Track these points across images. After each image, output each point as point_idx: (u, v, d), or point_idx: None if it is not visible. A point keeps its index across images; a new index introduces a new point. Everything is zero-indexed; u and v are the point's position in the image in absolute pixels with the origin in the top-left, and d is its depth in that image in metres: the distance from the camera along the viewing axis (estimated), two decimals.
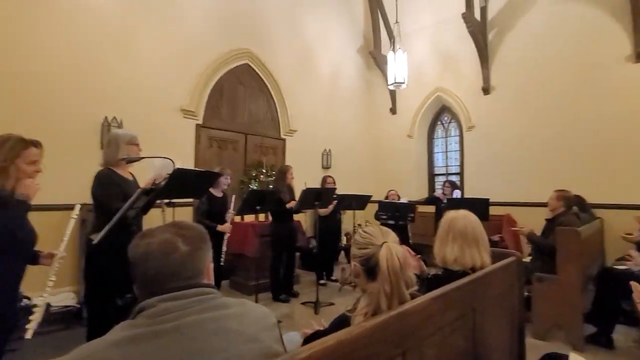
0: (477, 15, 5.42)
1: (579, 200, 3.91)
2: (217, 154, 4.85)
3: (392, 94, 6.72)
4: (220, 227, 3.38)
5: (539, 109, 4.99)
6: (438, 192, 4.95)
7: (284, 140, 5.64)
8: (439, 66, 6.19)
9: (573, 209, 3.33)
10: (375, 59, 6.63)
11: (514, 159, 5.16)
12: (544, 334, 2.83)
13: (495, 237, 4.46)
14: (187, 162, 4.13)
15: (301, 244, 4.47)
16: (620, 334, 2.77)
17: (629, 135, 4.23)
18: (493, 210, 4.19)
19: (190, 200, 3.76)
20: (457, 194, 4.47)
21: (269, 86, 5.45)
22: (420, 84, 6.31)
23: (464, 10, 5.13)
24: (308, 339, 1.30)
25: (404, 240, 3.75)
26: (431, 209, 5.32)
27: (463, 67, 5.83)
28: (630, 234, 3.55)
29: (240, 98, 5.13)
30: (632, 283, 1.16)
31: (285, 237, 3.89)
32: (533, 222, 3.70)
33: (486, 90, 5.53)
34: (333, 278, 4.64)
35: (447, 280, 1.37)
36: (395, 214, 3.97)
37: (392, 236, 1.21)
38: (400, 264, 1.13)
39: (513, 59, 5.28)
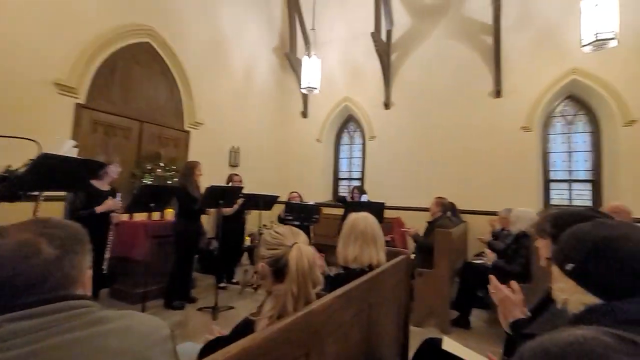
0: (384, 36, 6.02)
1: (452, 206, 4.67)
2: (103, 141, 4.15)
3: (305, 97, 6.89)
4: (99, 208, 2.87)
5: (427, 127, 5.79)
6: (347, 196, 5.27)
7: (187, 132, 5.19)
8: (348, 78, 6.63)
9: (447, 214, 3.96)
10: (290, 61, 6.71)
11: (406, 169, 5.88)
12: (420, 321, 3.27)
13: (387, 238, 4.96)
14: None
15: (201, 246, 4.18)
16: (475, 316, 3.40)
17: (488, 156, 5.26)
18: (386, 214, 4.66)
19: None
20: (365, 198, 4.83)
21: (173, 71, 4.95)
22: (330, 91, 6.64)
23: (373, 29, 5.62)
24: (207, 348, 1.20)
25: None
26: (335, 210, 5.64)
27: (369, 81, 6.37)
28: (481, 238, 4.47)
29: (137, 80, 4.51)
30: (491, 277, 1.41)
31: (192, 237, 3.60)
32: (417, 224, 4.27)
33: (387, 105, 6.16)
34: (234, 281, 4.46)
35: (347, 279, 1.46)
36: (301, 215, 4.06)
37: (302, 237, 1.23)
38: (310, 265, 1.15)
39: (410, 80, 6.02)
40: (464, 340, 3.03)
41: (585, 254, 0.88)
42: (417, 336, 1.84)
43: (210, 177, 4.01)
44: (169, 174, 4.50)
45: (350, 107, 6.60)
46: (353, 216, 1.88)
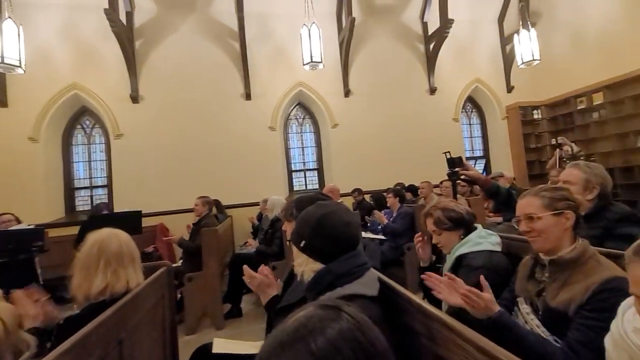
0: (123, 18, 5.13)
1: (216, 203, 4.74)
2: None
3: (0, 78, 4.81)
4: None
5: (179, 125, 5.52)
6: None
7: None
8: (75, 59, 5.21)
9: (213, 211, 3.99)
10: None
11: (165, 169, 5.38)
12: (195, 328, 3.14)
13: (150, 249, 4.42)
14: None
15: None
16: (246, 302, 3.65)
17: (244, 153, 5.71)
18: (146, 221, 4.11)
19: None
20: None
21: None
22: (48, 74, 5.00)
23: (106, 5, 4.65)
24: None
25: (28, 280, 2.75)
26: (71, 230, 4.37)
27: (108, 68, 5.29)
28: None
29: None
30: (244, 267, 1.50)
31: None
32: (184, 227, 4.04)
33: (135, 98, 5.36)
34: None
35: (90, 318, 1.13)
36: (9, 247, 2.81)
37: None
38: (6, 329, 0.79)
39: (161, 73, 5.50)
40: (238, 328, 3.20)
41: (311, 231, 1.08)
42: (191, 345, 1.72)
43: None
44: None
45: (83, 97, 5.25)
46: (97, 237, 1.46)
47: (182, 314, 3.09)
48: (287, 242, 1.57)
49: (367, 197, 5.44)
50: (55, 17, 5.12)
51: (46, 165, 5.08)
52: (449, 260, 1.64)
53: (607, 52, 5.65)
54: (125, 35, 5.13)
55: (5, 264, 2.74)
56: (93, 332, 1.03)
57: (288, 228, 1.57)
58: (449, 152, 2.34)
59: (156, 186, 5.29)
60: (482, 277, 1.22)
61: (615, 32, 5.54)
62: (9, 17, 3.91)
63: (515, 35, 5.86)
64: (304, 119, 6.48)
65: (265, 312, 1.44)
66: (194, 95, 5.60)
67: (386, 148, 6.22)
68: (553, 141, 6.07)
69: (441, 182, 4.66)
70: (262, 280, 1.45)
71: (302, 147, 6.42)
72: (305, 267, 1.10)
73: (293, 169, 6.33)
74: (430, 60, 6.50)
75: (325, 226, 1.06)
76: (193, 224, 3.75)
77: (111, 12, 4.71)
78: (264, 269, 1.49)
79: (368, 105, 6.27)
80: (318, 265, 1.07)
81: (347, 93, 6.18)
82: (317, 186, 6.30)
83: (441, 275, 1.76)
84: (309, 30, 4.90)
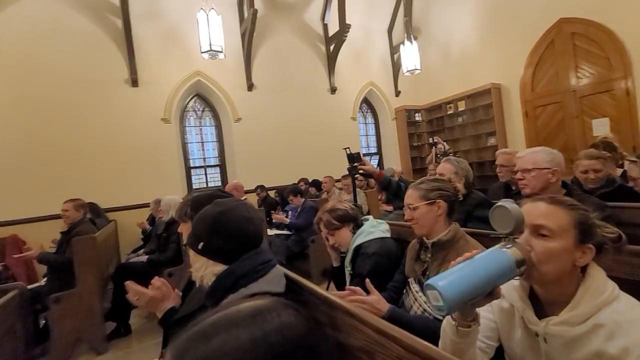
0: None
1: (92, 207, 4.02)
2: None
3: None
4: None
5: (58, 113, 4.47)
6: None
7: None
8: None
9: (87, 217, 3.35)
10: None
11: (18, 170, 4.23)
12: (67, 357, 2.59)
13: None
14: None
15: None
16: (135, 316, 3.18)
17: (131, 148, 4.97)
18: None
19: None
20: None
21: None
22: None
23: None
24: None
25: None
26: None
27: None
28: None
29: None
30: (126, 284, 1.28)
31: None
32: (48, 236, 3.28)
33: None
34: None
35: None
36: None
37: None
38: None
39: (18, 47, 4.29)
40: (127, 348, 2.79)
41: (208, 231, 0.99)
42: None
43: None
44: None
45: None
46: None
47: (46, 344, 2.51)
48: (184, 246, 1.42)
49: (271, 193, 5.39)
50: None
51: None
52: (349, 252, 1.73)
53: (466, 67, 6.86)
54: None
55: None
56: None
57: (184, 230, 1.42)
58: (348, 148, 2.48)
59: (6, 189, 4.15)
60: (367, 282, 1.32)
61: (472, 51, 6.77)
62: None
63: (402, 45, 6.62)
64: (203, 111, 6.02)
65: (161, 327, 1.27)
66: (60, 77, 4.56)
67: (290, 144, 6.28)
68: (430, 140, 7.11)
69: (344, 177, 4.95)
70: (153, 296, 1.27)
71: (202, 142, 5.97)
72: (205, 270, 0.99)
73: (192, 165, 5.82)
74: (331, 61, 6.81)
75: (224, 224, 0.98)
76: (61, 233, 3.08)
77: None
78: (156, 280, 1.31)
79: (272, 100, 6.20)
80: (219, 267, 0.98)
81: (250, 87, 5.99)
82: (219, 183, 5.94)
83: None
84: (207, 15, 4.55)
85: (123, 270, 3.21)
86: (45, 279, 3.08)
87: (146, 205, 4.68)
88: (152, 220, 4.46)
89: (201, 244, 0.99)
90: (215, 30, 4.58)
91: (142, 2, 5.11)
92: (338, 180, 5.19)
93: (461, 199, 1.66)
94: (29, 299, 1.61)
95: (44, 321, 2.67)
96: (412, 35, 6.67)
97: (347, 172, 2.66)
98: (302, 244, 3.89)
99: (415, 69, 6.44)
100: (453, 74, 7.14)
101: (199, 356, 0.43)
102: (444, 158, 2.25)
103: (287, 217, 4.19)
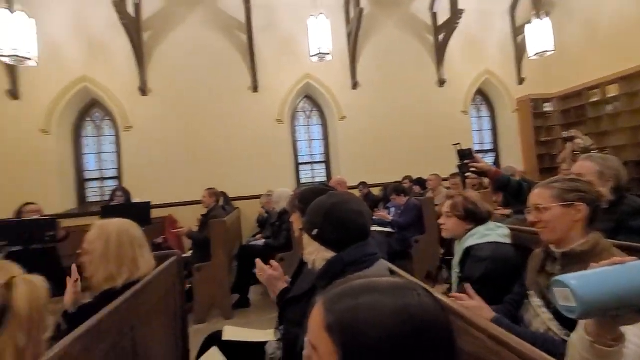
0: (131, 10, 5.14)
1: (223, 195, 4.78)
2: None
3: (12, 71, 4.87)
4: None
5: (188, 118, 5.54)
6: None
7: None
8: (85, 52, 5.24)
9: (220, 203, 4.02)
10: None
11: (175, 160, 5.42)
12: (204, 317, 3.19)
13: (159, 240, 4.46)
14: None
15: None
16: (254, 293, 3.69)
17: (250, 145, 5.71)
18: (155, 213, 4.16)
19: None
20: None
21: None
22: (59, 66, 5.05)
23: None
24: None
25: (51, 267, 2.81)
26: (87, 221, 4.43)
27: (117, 61, 5.32)
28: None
29: None
30: (256, 260, 1.51)
31: None
32: (192, 218, 4.09)
33: (144, 91, 5.39)
34: None
35: (103, 305, 1.15)
36: (23, 236, 2.87)
37: (15, 268, 0.86)
38: (44, 302, 0.84)
39: (169, 65, 5.51)
40: (246, 318, 3.24)
41: (322, 219, 1.09)
42: (201, 334, 1.74)
43: None
44: None
45: (93, 90, 5.30)
46: (110, 225, 1.49)
47: (191, 304, 3.13)
48: (296, 233, 1.58)
49: (374, 191, 5.41)
50: (66, 9, 5.15)
51: (58, 157, 5.16)
52: (458, 252, 1.63)
53: (622, 43, 5.48)
54: (133, 26, 5.14)
55: (29, 252, 2.83)
56: (106, 319, 1.04)
57: (294, 220, 1.59)
58: (459, 143, 2.31)
59: (165, 178, 5.34)
60: (468, 286, 1.22)
61: (630, 23, 5.37)
62: (21, 10, 3.93)
63: (528, 25, 5.72)
64: (311, 111, 6.45)
65: (277, 304, 1.46)
66: (201, 87, 5.60)
67: (394, 140, 6.17)
68: (564, 134, 5.96)
69: (452, 175, 4.62)
70: (272, 274, 1.47)
71: (310, 140, 6.41)
72: (317, 255, 1.10)
73: (300, 161, 6.32)
74: (440, 52, 6.39)
75: (337, 215, 1.07)
76: (202, 216, 3.79)
77: (120, 5, 4.71)
78: (272, 263, 1.51)
79: (376, 97, 6.21)
80: (330, 254, 1.08)
81: (354, 85, 6.13)
82: (324, 179, 6.29)
83: (450, 267, 1.76)
84: (317, 20, 4.85)
85: (245, 251, 3.75)
86: (191, 251, 3.84)
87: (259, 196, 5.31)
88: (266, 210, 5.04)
89: (315, 230, 1.10)
90: (323, 34, 4.85)
91: (263, 16, 5.78)
92: (446, 179, 4.87)
93: (606, 206, 1.37)
94: (183, 265, 2.04)
95: (189, 285, 3.34)
96: (542, 11, 5.70)
97: (456, 171, 2.48)
98: (405, 242, 3.81)
99: (546, 51, 5.47)
100: (600, 53, 5.82)
101: (349, 307, 0.48)
102: (584, 155, 1.88)
103: (389, 214, 4.15)
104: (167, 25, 5.55)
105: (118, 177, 5.54)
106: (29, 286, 0.81)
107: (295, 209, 1.52)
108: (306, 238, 1.16)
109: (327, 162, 6.40)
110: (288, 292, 1.44)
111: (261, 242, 3.93)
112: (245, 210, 5.51)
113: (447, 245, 1.81)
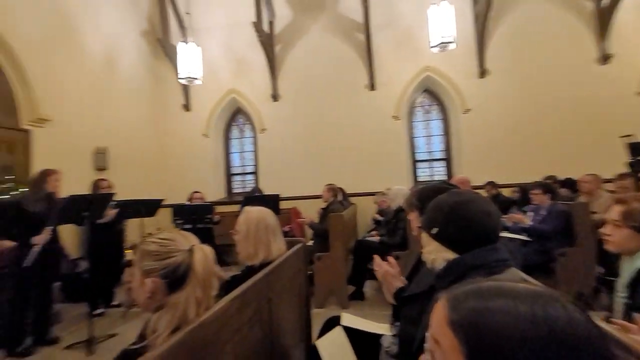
0: (266, 27, 5.95)
1: (341, 191, 5.02)
2: None
3: (185, 89, 6.30)
4: None
5: (313, 118, 6.04)
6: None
7: (26, 131, 4.10)
8: (232, 68, 6.34)
9: (338, 198, 4.25)
10: (164, 48, 6.00)
11: (297, 160, 6.02)
12: (322, 302, 3.45)
13: (286, 228, 5.05)
14: None
15: (65, 271, 3.42)
16: (368, 287, 3.78)
17: (367, 142, 5.82)
18: (283, 205, 4.71)
19: None
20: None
21: None
22: (214, 83, 6.25)
23: (254, 19, 5.48)
24: None
25: (208, 243, 3.59)
26: (232, 208, 5.37)
27: (255, 73, 6.23)
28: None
29: None
30: (374, 256, 1.56)
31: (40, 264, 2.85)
32: (313, 211, 4.46)
33: (275, 97, 6.16)
34: (115, 303, 3.80)
35: (244, 278, 1.40)
36: (192, 217, 3.73)
37: (194, 237, 1.13)
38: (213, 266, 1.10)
39: (295, 73, 6.14)
40: (361, 310, 3.34)
41: (444, 218, 1.04)
42: (320, 317, 1.92)
43: (69, 185, 3.28)
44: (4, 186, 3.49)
45: (238, 100, 6.36)
46: (252, 211, 1.81)
47: (312, 288, 3.44)
48: (414, 232, 1.55)
49: (504, 192, 4.75)
50: (218, 36, 6.33)
51: (214, 155, 6.42)
52: (627, 272, 1.30)
53: None
54: (268, 42, 5.93)
55: (195, 230, 3.68)
56: (250, 289, 1.27)
57: (412, 218, 1.55)
58: (632, 135, 1.81)
59: (291, 174, 5.99)
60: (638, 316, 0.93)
61: None
62: (193, 41, 5.05)
63: None
64: (430, 106, 6.11)
65: (392, 302, 1.46)
66: (322, 89, 6.02)
67: (533, 133, 5.27)
68: None
69: (620, 175, 3.64)
70: (389, 270, 1.48)
71: (429, 136, 6.09)
72: (436, 255, 1.07)
73: (417, 158, 6.08)
74: (603, 22, 5.08)
75: (460, 213, 1.00)
76: (322, 209, 4.09)
77: (258, 24, 5.50)
78: (390, 259, 1.52)
79: (509, 84, 5.42)
80: (450, 255, 1.02)
81: (482, 73, 5.50)
82: (444, 177, 5.88)
83: (611, 291, 1.41)
84: (439, 8, 4.54)
85: (360, 246, 3.87)
86: (312, 241, 4.20)
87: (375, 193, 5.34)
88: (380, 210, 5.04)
89: (435, 229, 1.06)
90: (447, 21, 4.51)
91: (381, 13, 5.79)
92: (607, 180, 3.87)
93: None
94: (307, 252, 2.27)
95: (310, 272, 3.67)
96: None
97: (626, 170, 1.95)
98: (546, 254, 3.21)
99: None
100: None
101: (477, 307, 0.45)
102: None
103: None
104: (295, 35, 6.17)
105: (255, 172, 6.49)
106: (204, 252, 1.06)
107: (413, 207, 1.49)
108: (425, 236, 1.13)
109: (447, 159, 5.95)
110: (404, 290, 1.43)
111: (376, 239, 3.97)
112: (361, 206, 5.66)
113: (608, 262, 1.45)
